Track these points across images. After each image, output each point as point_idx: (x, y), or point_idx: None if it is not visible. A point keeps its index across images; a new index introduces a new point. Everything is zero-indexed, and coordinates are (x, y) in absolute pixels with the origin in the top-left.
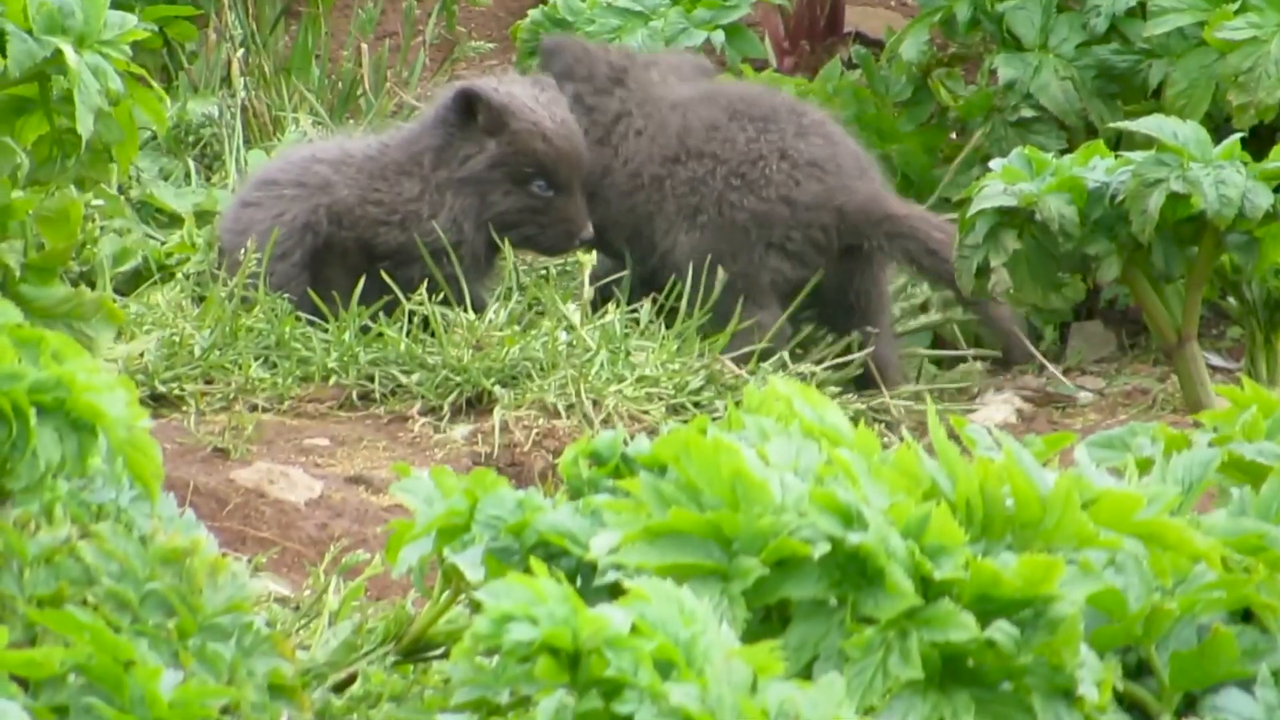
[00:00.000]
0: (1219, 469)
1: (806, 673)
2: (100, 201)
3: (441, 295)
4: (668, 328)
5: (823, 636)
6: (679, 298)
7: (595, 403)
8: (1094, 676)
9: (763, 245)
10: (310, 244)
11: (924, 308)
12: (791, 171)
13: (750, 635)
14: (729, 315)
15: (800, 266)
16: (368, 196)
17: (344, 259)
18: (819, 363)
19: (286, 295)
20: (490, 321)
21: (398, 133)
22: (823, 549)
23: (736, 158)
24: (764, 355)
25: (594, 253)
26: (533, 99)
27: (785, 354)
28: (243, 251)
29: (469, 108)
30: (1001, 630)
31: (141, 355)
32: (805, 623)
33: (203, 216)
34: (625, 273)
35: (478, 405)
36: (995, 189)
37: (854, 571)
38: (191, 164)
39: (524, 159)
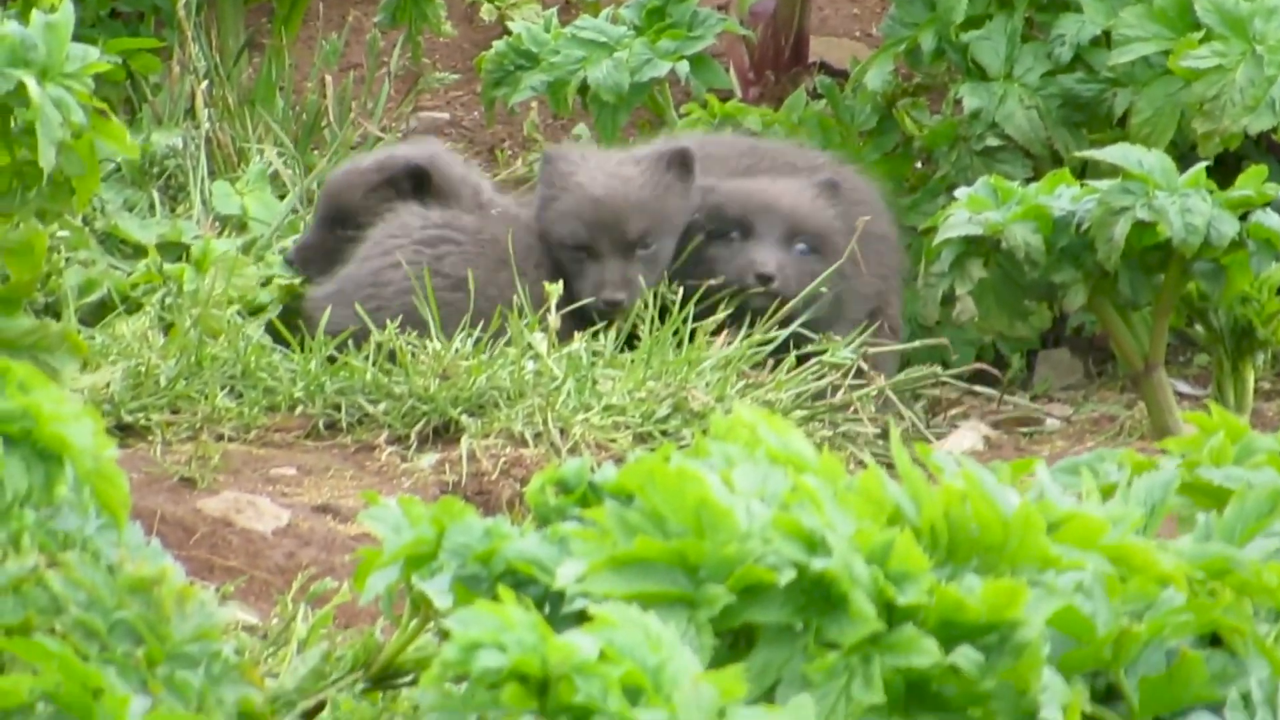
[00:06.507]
0: (1184, 492)
1: (769, 697)
2: (65, 233)
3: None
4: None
5: (786, 661)
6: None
7: (562, 431)
8: (1058, 701)
9: None
10: None
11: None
12: None
13: (716, 661)
14: None
15: None
16: None
17: None
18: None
19: None
20: (457, 350)
21: None
22: (788, 576)
23: None
24: None
25: (560, 282)
26: None
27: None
28: None
29: None
30: (965, 656)
31: (107, 386)
32: (769, 647)
33: (167, 248)
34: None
35: (444, 434)
36: (961, 218)
37: (819, 597)
38: (156, 195)
39: None
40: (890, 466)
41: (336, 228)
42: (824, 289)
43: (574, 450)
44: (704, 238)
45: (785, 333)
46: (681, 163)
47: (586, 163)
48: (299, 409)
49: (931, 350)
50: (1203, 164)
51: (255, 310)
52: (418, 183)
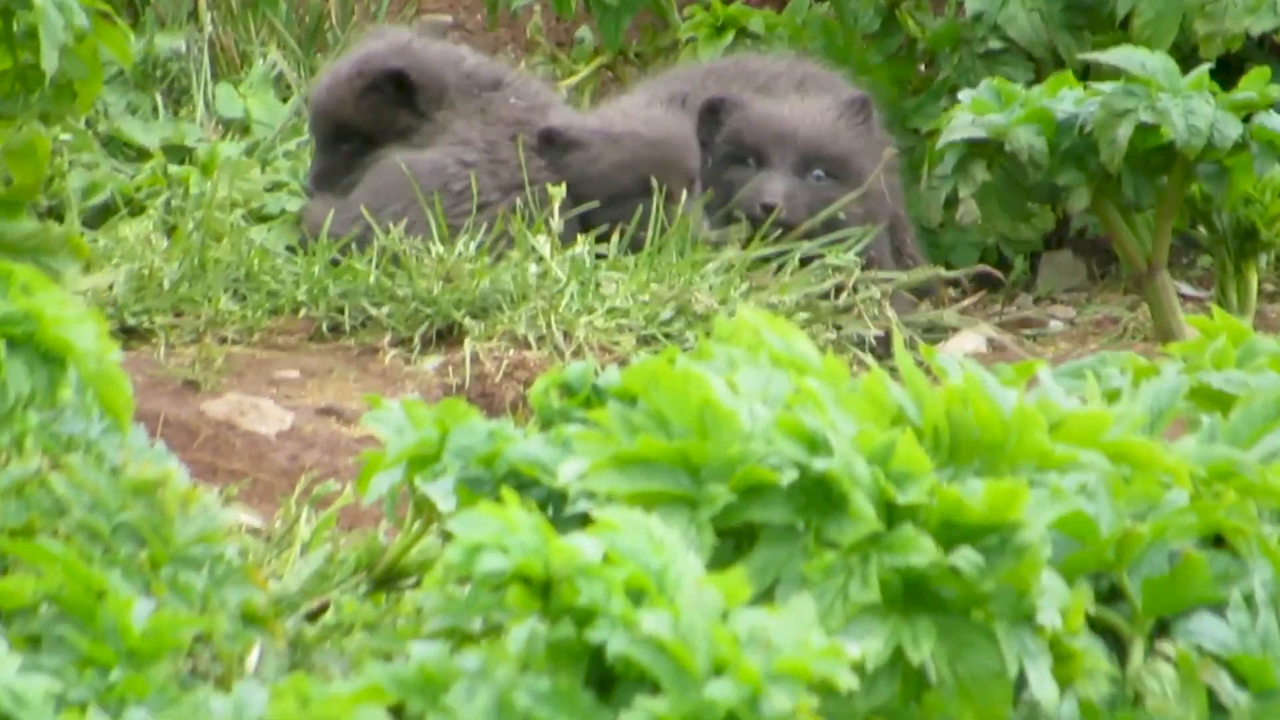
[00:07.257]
0: (1188, 397)
1: (769, 596)
2: (68, 136)
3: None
4: None
5: (786, 561)
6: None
7: (566, 334)
8: (1056, 604)
9: None
10: None
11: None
12: None
13: (717, 561)
14: None
15: None
16: None
17: None
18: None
19: None
20: (460, 253)
21: None
22: (789, 476)
23: None
24: None
25: (563, 185)
26: None
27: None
28: None
29: None
30: (964, 557)
31: (110, 288)
32: (770, 547)
33: (169, 151)
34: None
35: (448, 337)
36: (964, 121)
37: (820, 497)
38: (159, 99)
39: None
40: (894, 370)
41: (341, 144)
42: (848, 211)
43: (577, 353)
44: (724, 161)
45: (803, 246)
46: (684, 105)
47: (610, 116)
48: (302, 312)
49: (935, 252)
50: (1205, 66)
51: (261, 216)
52: (399, 83)
